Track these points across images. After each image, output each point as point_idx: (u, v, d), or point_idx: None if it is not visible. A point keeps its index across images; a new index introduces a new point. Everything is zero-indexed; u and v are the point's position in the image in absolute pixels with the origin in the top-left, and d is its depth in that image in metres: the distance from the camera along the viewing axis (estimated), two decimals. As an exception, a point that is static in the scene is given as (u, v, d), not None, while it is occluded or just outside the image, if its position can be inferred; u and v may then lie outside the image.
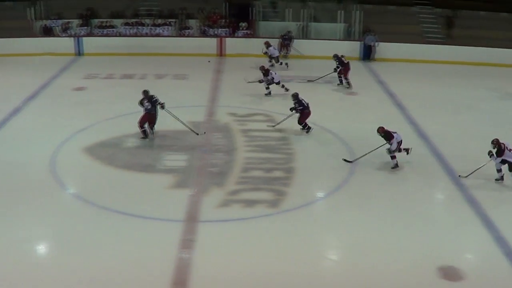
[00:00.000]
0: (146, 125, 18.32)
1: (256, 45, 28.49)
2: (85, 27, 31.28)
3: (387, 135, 16.38)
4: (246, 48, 29.01)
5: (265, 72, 22.90)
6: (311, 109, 19.10)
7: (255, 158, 16.95)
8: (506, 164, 15.70)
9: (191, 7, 32.08)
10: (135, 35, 30.92)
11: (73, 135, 18.57)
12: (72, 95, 23.01)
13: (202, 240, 12.81)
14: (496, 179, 15.91)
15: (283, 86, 23.04)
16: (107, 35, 30.78)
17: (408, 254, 12.40)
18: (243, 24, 30.39)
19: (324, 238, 13.32)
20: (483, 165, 15.84)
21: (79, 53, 29.96)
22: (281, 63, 27.43)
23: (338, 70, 24.54)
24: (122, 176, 16.05)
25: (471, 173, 15.91)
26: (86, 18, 31.61)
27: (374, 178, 15.99)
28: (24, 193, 15.07)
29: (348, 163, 16.60)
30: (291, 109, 18.98)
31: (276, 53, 27.59)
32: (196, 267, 11.86)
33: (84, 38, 30.41)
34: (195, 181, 15.66)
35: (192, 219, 13.73)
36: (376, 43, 28.92)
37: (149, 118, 18.26)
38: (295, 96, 19.08)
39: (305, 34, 30.97)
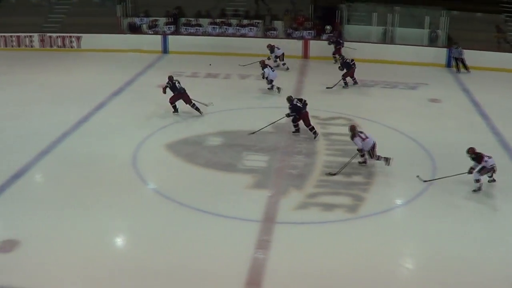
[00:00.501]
0: (177, 103, 20.44)
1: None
2: (172, 25, 31.70)
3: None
4: (331, 51, 28.79)
5: (263, 65, 23.40)
6: (307, 109, 18.77)
7: (335, 162, 16.77)
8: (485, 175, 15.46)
9: (277, 8, 32.10)
10: (221, 35, 31.15)
11: (155, 131, 18.87)
12: (156, 92, 23.36)
13: (278, 241, 12.82)
14: (473, 190, 15.34)
15: (272, 86, 23.41)
16: (193, 34, 31.12)
17: (488, 268, 12.07)
18: (328, 27, 30.22)
19: (402, 246, 13.07)
20: (456, 175, 15.46)
21: (165, 50, 30.42)
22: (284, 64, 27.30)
23: (344, 71, 24.25)
24: (202, 174, 16.21)
25: (434, 180, 15.72)
26: (174, 16, 32.03)
27: (456, 188, 15.51)
28: (106, 186, 15.52)
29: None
30: (287, 115, 18.78)
31: (280, 52, 27.23)
32: (271, 268, 11.87)
33: (170, 36, 30.85)
34: (274, 182, 15.69)
35: (269, 220, 13.75)
36: (463, 54, 28.17)
37: (181, 97, 20.31)
38: (289, 100, 18.79)
39: (389, 39, 30.57)
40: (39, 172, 16.84)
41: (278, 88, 22.87)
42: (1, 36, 32.60)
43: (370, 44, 29.94)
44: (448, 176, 15.56)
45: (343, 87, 24.43)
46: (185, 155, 17.30)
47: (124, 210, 14.37)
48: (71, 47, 31.46)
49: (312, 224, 13.59)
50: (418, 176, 15.92)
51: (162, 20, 31.97)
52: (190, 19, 32.00)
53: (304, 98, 19.12)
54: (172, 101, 20.35)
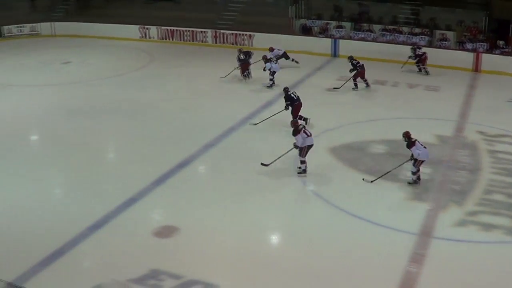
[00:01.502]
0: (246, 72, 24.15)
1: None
2: (342, 29, 31.92)
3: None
4: (503, 66, 27.93)
5: (266, 60, 24.94)
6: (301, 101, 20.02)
7: (499, 181, 16.36)
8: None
9: (450, 18, 31.47)
10: (391, 42, 31.00)
11: (320, 133, 19.19)
12: (324, 94, 23.77)
13: (432, 256, 12.76)
14: (409, 183, 15.88)
15: (273, 79, 24.82)
16: (363, 39, 31.20)
17: None
18: (501, 42, 29.25)
19: None
20: (394, 169, 16.05)
21: (334, 54, 30.73)
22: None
23: (353, 73, 24.51)
24: (362, 180, 16.34)
25: (377, 178, 16.03)
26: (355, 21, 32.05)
27: None
28: (266, 183, 16.22)
29: None
30: (285, 107, 19.97)
31: (281, 52, 27.81)
32: (423, 283, 11.85)
33: (340, 40, 31.10)
34: (435, 196, 15.58)
35: (425, 233, 13.69)
36: None
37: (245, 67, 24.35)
38: (285, 90, 20.37)
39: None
40: (203, 164, 17.84)
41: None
42: (178, 30, 34.34)
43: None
44: (390, 171, 16.14)
45: (353, 88, 24.68)
46: (347, 160, 17.56)
47: (281, 208, 14.96)
48: (243, 45, 32.49)
49: (469, 243, 13.37)
50: (363, 179, 16.27)
51: (333, 24, 32.26)
52: (362, 24, 32.05)
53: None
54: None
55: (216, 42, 33.51)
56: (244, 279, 12.17)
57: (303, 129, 16.48)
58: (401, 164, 16.23)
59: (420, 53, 26.97)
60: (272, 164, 16.89)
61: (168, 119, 21.32)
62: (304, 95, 23.12)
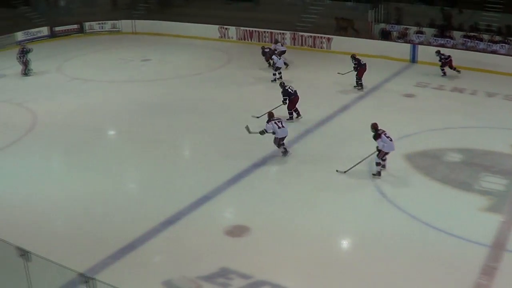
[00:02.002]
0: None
1: None
2: (422, 35, 31.44)
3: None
4: None
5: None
6: (298, 95, 21.05)
7: None
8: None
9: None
10: (470, 49, 30.32)
11: (395, 139, 18.90)
12: (401, 100, 23.47)
13: (505, 270, 12.49)
14: (373, 174, 16.55)
15: (275, 74, 26.27)
16: (442, 46, 30.60)
17: None
18: None
19: None
20: (363, 160, 16.75)
21: (413, 60, 30.28)
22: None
23: (356, 72, 25.18)
24: (436, 189, 16.13)
25: (350, 168, 16.69)
26: (441, 28, 31.47)
27: None
28: (337, 186, 16.29)
29: None
30: (283, 102, 21.11)
31: (283, 49, 29.37)
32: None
33: (419, 46, 30.64)
34: (509, 208, 15.20)
35: (498, 246, 13.41)
36: None
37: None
38: (282, 85, 21.36)
39: None
40: (277, 164, 17.91)
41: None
42: (257, 31, 34.53)
43: None
44: (361, 161, 16.80)
45: (354, 86, 25.36)
46: (422, 167, 17.33)
47: (354, 213, 14.92)
48: (321, 48, 32.50)
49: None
50: (337, 170, 16.83)
51: (412, 29, 31.81)
52: (446, 30, 31.44)
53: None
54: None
55: (294, 44, 33.49)
56: (312, 282, 12.21)
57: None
58: (368, 156, 16.86)
59: (445, 56, 26.98)
60: (345, 169, 16.89)
61: (243, 119, 21.39)
62: (381, 100, 23.07)
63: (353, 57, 25.44)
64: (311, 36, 33.33)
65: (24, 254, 8.88)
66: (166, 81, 27.52)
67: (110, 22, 39.55)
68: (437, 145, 18.95)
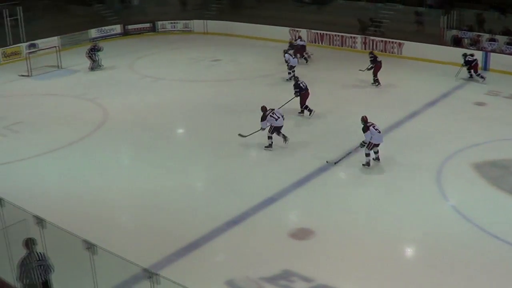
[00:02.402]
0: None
1: None
2: (495, 42, 30.82)
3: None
4: None
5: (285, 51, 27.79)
6: (309, 91, 22.06)
7: None
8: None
9: None
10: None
11: (465, 148, 18.75)
12: (471, 109, 23.07)
13: None
14: (363, 164, 17.36)
15: (290, 73, 26.83)
16: (515, 54, 29.97)
17: None
18: None
19: None
20: (350, 152, 17.75)
21: (485, 67, 29.62)
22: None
23: (371, 69, 26.12)
24: (505, 200, 15.82)
25: (340, 160, 17.56)
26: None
27: None
28: (406, 194, 16.12)
29: None
30: (295, 95, 22.12)
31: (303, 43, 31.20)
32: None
33: (492, 54, 30.03)
34: None
35: None
36: None
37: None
38: (296, 79, 22.65)
39: None
40: (344, 169, 17.84)
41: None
42: (327, 34, 34.43)
43: None
44: (350, 152, 17.73)
45: (372, 83, 26.21)
46: (491, 178, 17.00)
47: (420, 221, 14.74)
48: (392, 53, 32.16)
49: None
50: (327, 161, 17.63)
51: (485, 37, 31.21)
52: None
53: None
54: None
55: (365, 48, 33.18)
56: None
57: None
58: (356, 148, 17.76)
59: (471, 59, 26.94)
60: (412, 175, 16.73)
61: (312, 121, 21.42)
62: (451, 107, 22.72)
63: (371, 53, 26.36)
64: (382, 40, 33.01)
65: (90, 247, 9.09)
66: (235, 81, 27.73)
67: (182, 22, 40.08)
68: (507, 155, 18.55)
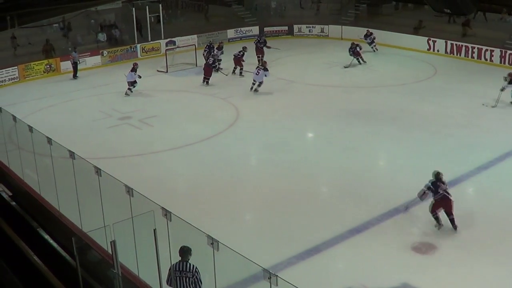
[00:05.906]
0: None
1: None
2: None
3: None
4: None
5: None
6: None
7: None
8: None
9: None
10: None
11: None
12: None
13: None
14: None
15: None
16: None
17: None
18: None
19: None
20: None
21: None
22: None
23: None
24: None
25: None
26: None
27: None
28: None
29: None
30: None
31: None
32: None
33: None
34: None
35: None
36: None
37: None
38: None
39: None
40: (471, 185, 17.43)
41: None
42: (465, 46, 33.36)
43: None
44: None
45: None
46: None
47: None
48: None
49: None
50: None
51: None
52: None
53: None
54: None
55: (503, 63, 31.89)
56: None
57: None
58: None
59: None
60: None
61: (443, 134, 20.82)
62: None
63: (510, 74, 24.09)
64: (525, 57, 31.58)
65: (213, 242, 9.22)
66: (369, 88, 27.47)
67: (318, 26, 40.12)
68: None
